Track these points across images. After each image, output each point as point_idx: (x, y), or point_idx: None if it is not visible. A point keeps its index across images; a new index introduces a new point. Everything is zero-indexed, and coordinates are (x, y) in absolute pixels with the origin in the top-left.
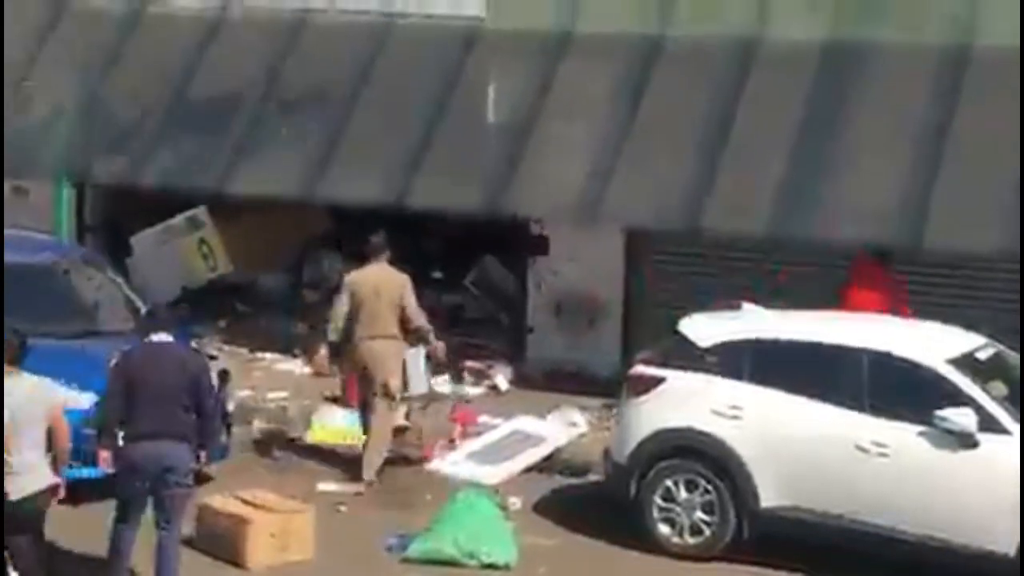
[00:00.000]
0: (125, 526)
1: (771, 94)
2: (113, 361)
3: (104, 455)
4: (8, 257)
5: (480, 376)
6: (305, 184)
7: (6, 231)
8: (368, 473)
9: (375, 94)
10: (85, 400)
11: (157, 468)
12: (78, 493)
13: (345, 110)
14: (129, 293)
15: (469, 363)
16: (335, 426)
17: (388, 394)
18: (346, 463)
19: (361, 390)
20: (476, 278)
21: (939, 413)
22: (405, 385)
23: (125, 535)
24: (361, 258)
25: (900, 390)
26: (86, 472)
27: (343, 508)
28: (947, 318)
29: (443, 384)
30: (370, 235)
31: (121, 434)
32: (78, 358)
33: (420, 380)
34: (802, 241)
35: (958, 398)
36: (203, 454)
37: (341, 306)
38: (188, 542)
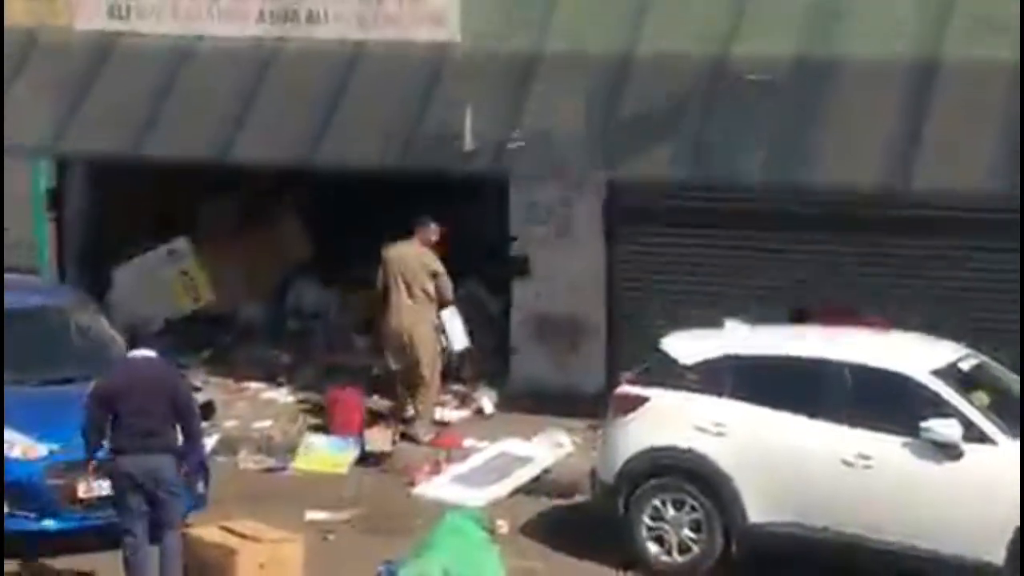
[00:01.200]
0: (134, 539)
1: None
2: (98, 380)
3: (91, 469)
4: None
5: (464, 399)
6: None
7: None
8: (424, 431)
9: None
10: (43, 449)
11: (149, 479)
12: (38, 546)
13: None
14: (114, 333)
15: (453, 386)
16: (321, 454)
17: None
18: (333, 490)
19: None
20: (461, 301)
21: (923, 424)
22: (443, 349)
23: (137, 548)
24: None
25: (884, 402)
26: (46, 524)
27: (331, 536)
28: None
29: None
30: (350, 260)
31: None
32: (48, 405)
33: (459, 337)
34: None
35: (942, 409)
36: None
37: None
38: None
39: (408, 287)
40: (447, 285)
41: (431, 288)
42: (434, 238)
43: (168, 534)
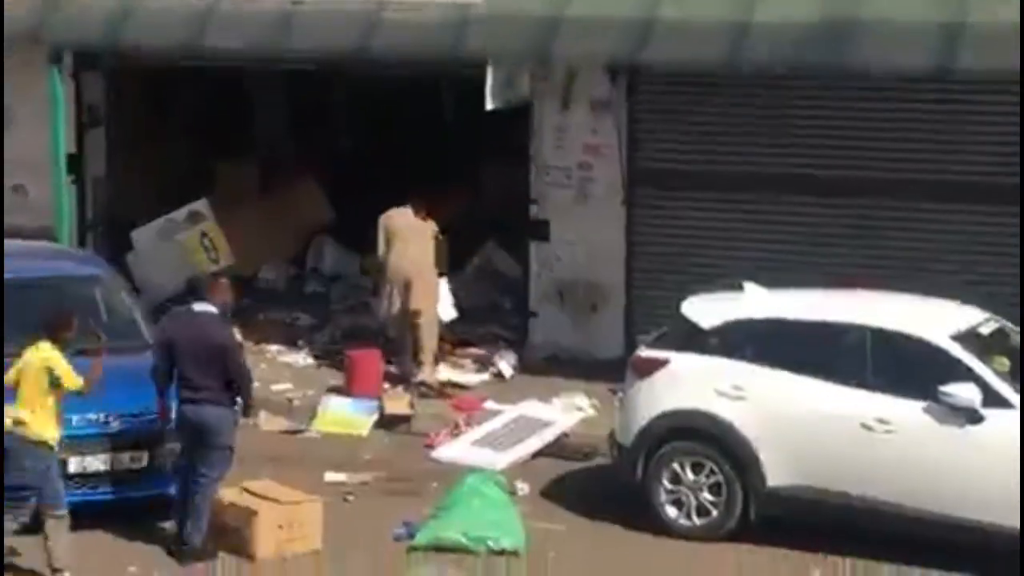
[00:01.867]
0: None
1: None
2: (159, 325)
3: (162, 414)
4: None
5: (484, 362)
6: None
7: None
8: (427, 375)
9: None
10: None
11: (195, 430)
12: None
13: None
14: (132, 304)
15: (472, 350)
16: (340, 416)
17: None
18: (352, 452)
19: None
20: (479, 265)
21: (943, 389)
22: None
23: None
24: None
25: (904, 367)
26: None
27: (350, 498)
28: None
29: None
30: (369, 223)
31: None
32: None
33: (447, 309)
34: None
35: (962, 373)
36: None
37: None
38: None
39: (409, 247)
40: (444, 252)
41: (431, 251)
42: (423, 213)
43: (198, 481)
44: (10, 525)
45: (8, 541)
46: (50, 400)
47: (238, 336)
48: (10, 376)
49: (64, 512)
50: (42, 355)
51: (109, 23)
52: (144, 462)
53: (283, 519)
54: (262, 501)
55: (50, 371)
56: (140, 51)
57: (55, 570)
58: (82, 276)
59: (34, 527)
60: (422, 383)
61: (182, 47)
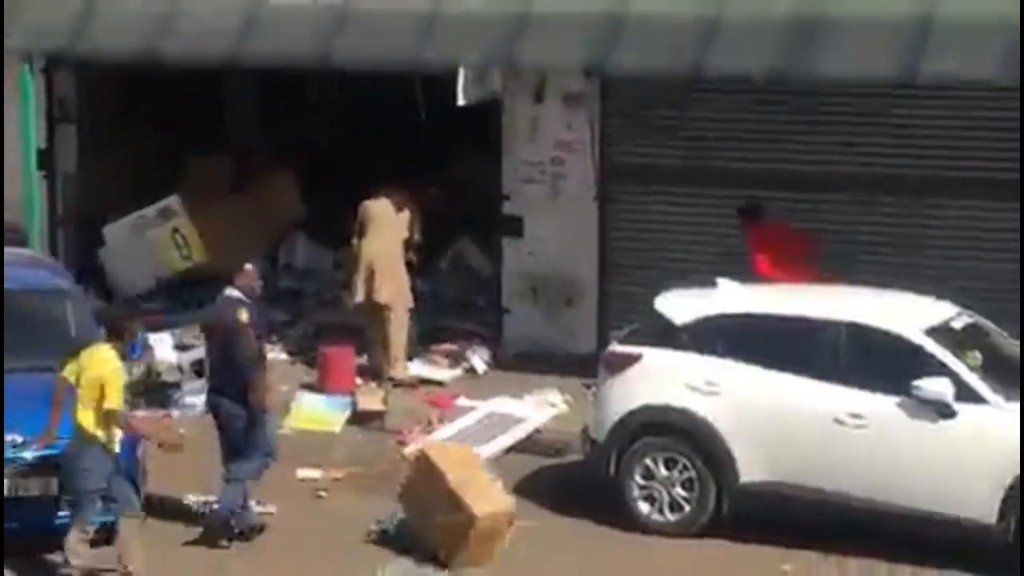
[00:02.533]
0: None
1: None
2: (245, 315)
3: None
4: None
5: (457, 358)
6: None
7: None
8: (397, 370)
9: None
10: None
11: (215, 417)
12: None
13: None
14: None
15: (445, 346)
16: (313, 412)
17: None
18: (325, 449)
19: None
20: (451, 261)
21: (916, 383)
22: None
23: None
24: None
25: (876, 361)
26: None
27: (323, 494)
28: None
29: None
30: (342, 218)
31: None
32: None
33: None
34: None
35: (935, 368)
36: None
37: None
38: None
39: (379, 236)
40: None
41: (400, 244)
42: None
43: (228, 470)
44: (80, 536)
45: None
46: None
47: (244, 317)
48: (67, 373)
49: (139, 513)
50: (99, 367)
51: (68, 30)
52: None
53: None
54: None
55: (102, 386)
56: (100, 57)
57: (127, 573)
58: (50, 289)
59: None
60: (391, 379)
61: (143, 53)
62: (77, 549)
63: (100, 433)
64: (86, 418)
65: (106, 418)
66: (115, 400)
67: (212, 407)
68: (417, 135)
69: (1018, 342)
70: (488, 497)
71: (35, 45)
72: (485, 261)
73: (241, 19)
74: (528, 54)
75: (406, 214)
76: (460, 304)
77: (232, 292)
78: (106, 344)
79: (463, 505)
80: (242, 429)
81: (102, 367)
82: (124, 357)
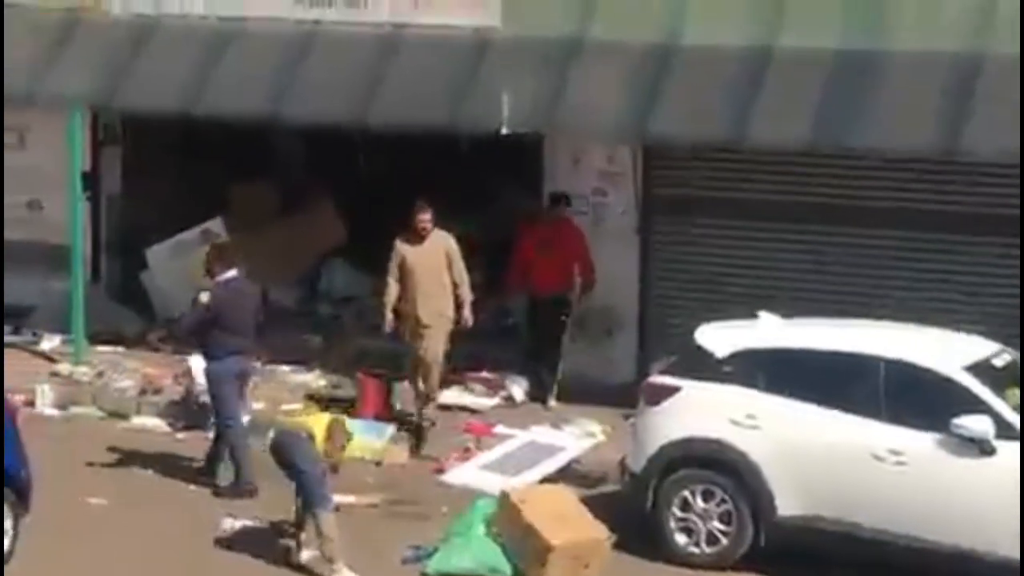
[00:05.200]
0: (237, 424)
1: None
2: (206, 296)
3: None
4: None
5: (495, 387)
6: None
7: None
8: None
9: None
10: None
11: (242, 376)
12: None
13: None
14: None
15: (483, 374)
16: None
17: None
18: (362, 474)
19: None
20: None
21: (956, 420)
22: None
23: (237, 429)
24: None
25: (916, 398)
26: None
27: (357, 519)
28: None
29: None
30: (382, 245)
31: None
32: None
33: None
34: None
35: (975, 405)
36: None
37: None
38: None
39: (427, 295)
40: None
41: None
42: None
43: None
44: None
45: None
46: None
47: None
48: None
49: (332, 503)
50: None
51: (104, 86)
52: None
53: None
54: None
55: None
56: (137, 112)
57: (329, 559)
58: None
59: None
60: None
61: (178, 112)
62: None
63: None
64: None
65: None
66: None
67: (249, 368)
68: (459, 163)
69: None
70: (571, 527)
71: (71, 101)
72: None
73: (275, 82)
74: (567, 122)
75: (445, 257)
76: (499, 332)
77: (233, 272)
78: None
79: (538, 535)
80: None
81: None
82: None
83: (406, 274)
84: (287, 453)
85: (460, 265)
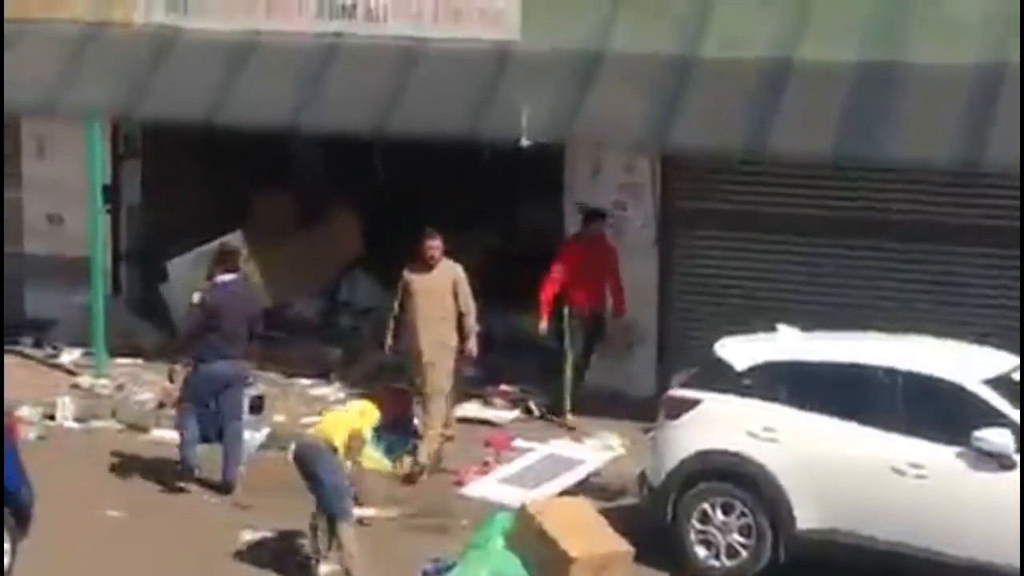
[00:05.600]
0: (191, 419)
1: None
2: (197, 297)
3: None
4: None
5: (514, 400)
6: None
7: None
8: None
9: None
10: None
11: (229, 379)
12: None
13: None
14: None
15: (503, 387)
16: (369, 451)
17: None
18: (381, 487)
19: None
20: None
21: (976, 434)
22: None
23: (191, 424)
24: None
25: (936, 411)
26: None
27: (376, 532)
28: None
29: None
30: (403, 257)
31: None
32: None
33: None
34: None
35: (995, 418)
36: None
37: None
38: None
39: (429, 324)
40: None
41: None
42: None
43: (232, 423)
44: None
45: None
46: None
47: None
48: None
49: (353, 516)
50: (354, 422)
51: (126, 97)
52: None
53: None
54: None
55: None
56: (159, 122)
57: (349, 573)
58: None
59: None
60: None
61: (204, 120)
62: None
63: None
64: (328, 426)
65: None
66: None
67: (235, 372)
68: (479, 175)
69: None
70: (591, 539)
71: (92, 112)
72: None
73: (296, 94)
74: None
75: (451, 286)
76: (518, 344)
77: (231, 276)
78: None
79: (557, 547)
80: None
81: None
82: None
83: (409, 301)
84: (309, 464)
85: (467, 293)
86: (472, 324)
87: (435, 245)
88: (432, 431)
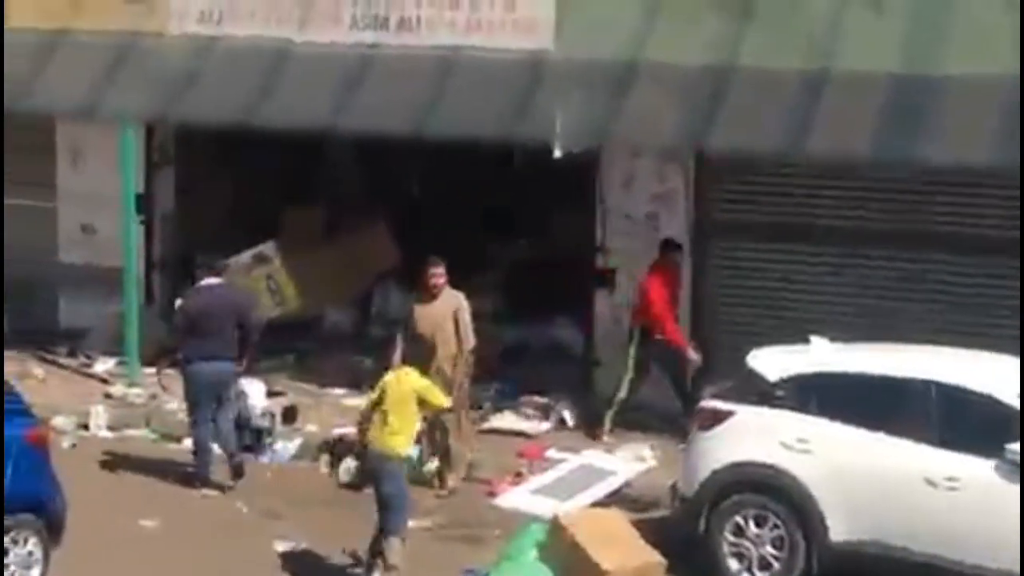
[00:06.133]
0: (203, 426)
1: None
2: (178, 303)
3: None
4: None
5: (547, 411)
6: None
7: None
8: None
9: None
10: None
11: (217, 381)
12: None
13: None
14: None
15: (535, 398)
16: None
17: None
18: (414, 498)
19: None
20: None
21: (1010, 446)
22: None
23: (202, 431)
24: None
25: (970, 423)
26: None
27: (410, 542)
28: None
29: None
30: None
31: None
32: None
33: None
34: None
35: None
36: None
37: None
38: None
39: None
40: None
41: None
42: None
43: (221, 416)
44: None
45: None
46: (415, 421)
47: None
48: (372, 398)
49: (406, 532)
50: (411, 382)
51: (166, 97)
52: None
53: None
54: None
55: (418, 395)
56: (192, 126)
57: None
58: None
59: None
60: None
61: (240, 122)
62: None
63: (400, 449)
64: (390, 436)
65: (410, 437)
66: (439, 399)
67: (223, 373)
68: (512, 185)
69: None
70: (624, 551)
71: (128, 116)
72: (568, 319)
73: (331, 103)
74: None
75: (452, 315)
76: (550, 354)
77: (215, 280)
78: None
79: (590, 558)
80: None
81: (416, 383)
82: None
83: (411, 330)
84: (376, 475)
85: (467, 321)
86: (467, 353)
87: (438, 273)
88: (444, 447)
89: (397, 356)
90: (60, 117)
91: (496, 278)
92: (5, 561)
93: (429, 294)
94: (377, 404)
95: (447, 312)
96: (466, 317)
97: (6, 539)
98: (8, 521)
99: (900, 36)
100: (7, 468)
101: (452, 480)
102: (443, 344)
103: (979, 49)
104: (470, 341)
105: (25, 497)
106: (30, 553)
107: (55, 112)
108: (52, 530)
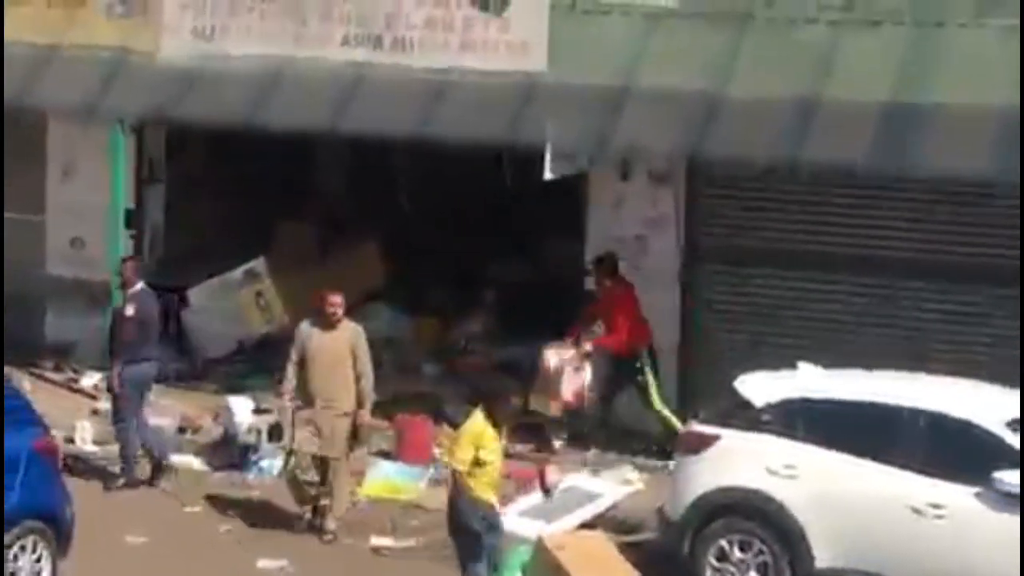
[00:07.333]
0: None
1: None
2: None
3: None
4: None
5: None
6: None
7: None
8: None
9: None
10: None
11: (142, 380)
12: None
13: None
14: None
15: (523, 420)
16: (388, 481)
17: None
18: (399, 517)
19: None
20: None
21: (996, 475)
22: None
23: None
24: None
25: (956, 451)
26: None
27: (394, 562)
28: None
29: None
30: (422, 287)
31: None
32: None
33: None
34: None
35: (1015, 460)
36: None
37: None
38: None
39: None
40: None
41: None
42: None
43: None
44: None
45: None
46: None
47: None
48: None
49: None
50: (475, 428)
51: (166, 96)
52: None
53: None
54: None
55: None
56: (196, 124)
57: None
58: None
59: None
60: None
61: (240, 123)
62: None
63: (481, 495)
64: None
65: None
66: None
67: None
68: (502, 207)
69: None
70: (608, 574)
71: (130, 112)
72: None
73: (337, 93)
74: (622, 136)
75: (349, 349)
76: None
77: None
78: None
79: None
80: None
81: (479, 429)
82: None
83: (307, 359)
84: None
85: (365, 359)
86: (368, 390)
87: (336, 302)
88: (340, 492)
89: (290, 380)
90: (55, 116)
91: (488, 298)
92: (15, 567)
93: (327, 323)
94: None
95: (345, 345)
96: (364, 350)
97: (16, 546)
98: (18, 528)
99: (895, 63)
100: (17, 476)
101: (331, 523)
102: (343, 380)
103: (974, 78)
104: (369, 377)
105: (35, 505)
106: (38, 560)
107: (51, 109)
108: (61, 540)
